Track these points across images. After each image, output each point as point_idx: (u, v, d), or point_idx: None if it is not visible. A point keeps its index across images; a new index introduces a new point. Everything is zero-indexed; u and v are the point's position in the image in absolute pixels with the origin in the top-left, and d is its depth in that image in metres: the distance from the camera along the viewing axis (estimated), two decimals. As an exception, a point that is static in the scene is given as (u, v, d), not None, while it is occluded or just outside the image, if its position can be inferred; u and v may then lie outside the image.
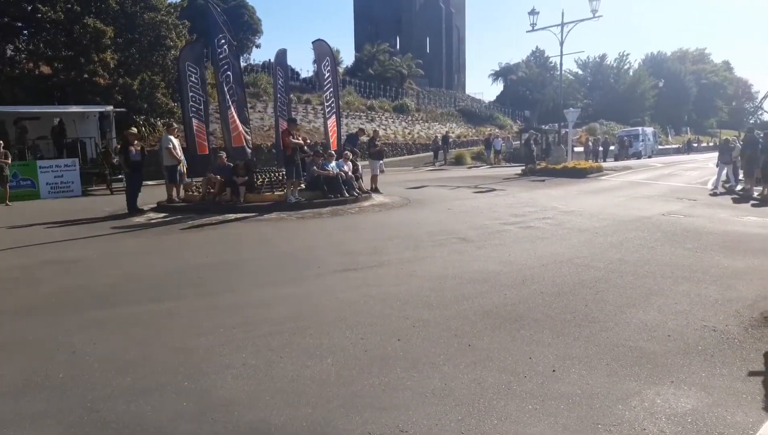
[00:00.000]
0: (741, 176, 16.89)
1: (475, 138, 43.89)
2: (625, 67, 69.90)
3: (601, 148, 38.14)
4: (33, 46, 23.45)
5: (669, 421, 3.18)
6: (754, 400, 3.42)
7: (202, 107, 14.62)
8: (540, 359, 4.08)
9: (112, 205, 14.36)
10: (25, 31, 23.95)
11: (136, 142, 13.65)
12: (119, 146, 15.24)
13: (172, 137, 13.90)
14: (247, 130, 14.29)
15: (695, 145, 54.90)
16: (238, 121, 13.41)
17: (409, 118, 45.13)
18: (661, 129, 61.82)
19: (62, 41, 22.77)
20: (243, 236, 10.13)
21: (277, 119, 15.75)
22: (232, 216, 12.15)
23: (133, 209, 12.97)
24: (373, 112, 41.87)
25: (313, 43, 16.59)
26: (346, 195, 13.81)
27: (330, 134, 16.18)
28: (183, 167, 14.24)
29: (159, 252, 8.75)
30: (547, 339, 4.49)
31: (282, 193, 13.75)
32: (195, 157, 14.45)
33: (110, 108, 21.44)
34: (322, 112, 34.50)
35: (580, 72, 70.60)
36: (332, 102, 16.42)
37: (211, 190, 13.59)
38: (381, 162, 17.54)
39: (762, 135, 16.06)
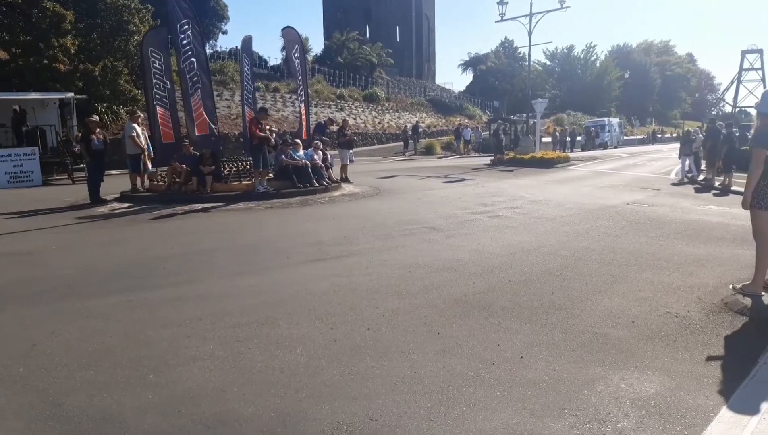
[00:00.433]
0: (703, 166, 17.32)
1: (445, 128, 44.05)
2: (592, 58, 70.90)
3: (568, 139, 38.71)
4: (-11, 31, 22.62)
5: (633, 404, 3.24)
6: (715, 384, 3.51)
7: (166, 94, 14.27)
8: (508, 346, 4.12)
9: (73, 195, 13.97)
10: (-20, 15, 23.09)
11: (98, 130, 13.29)
12: (80, 134, 14.81)
13: (135, 125, 13.58)
14: (214, 118, 14.03)
15: (659, 135, 56.23)
16: (202, 109, 13.16)
17: (379, 107, 45.00)
18: (627, 120, 63.10)
19: (20, 25, 21.99)
20: (209, 226, 9.97)
21: (244, 108, 15.50)
22: (198, 206, 11.95)
23: (96, 199, 12.65)
24: (343, 101, 41.61)
25: (282, 30, 16.42)
26: (316, 185, 13.72)
27: (302, 123, 16.05)
28: (146, 157, 13.92)
29: (122, 243, 8.54)
30: (515, 326, 4.53)
31: (250, 182, 13.58)
32: (161, 145, 14.12)
33: (71, 95, 20.82)
34: (290, 100, 34.23)
35: (548, 63, 71.35)
36: (301, 89, 16.26)
37: (177, 180, 13.33)
38: (351, 151, 17.45)
39: (723, 126, 16.48)
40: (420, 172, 20.31)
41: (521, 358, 3.92)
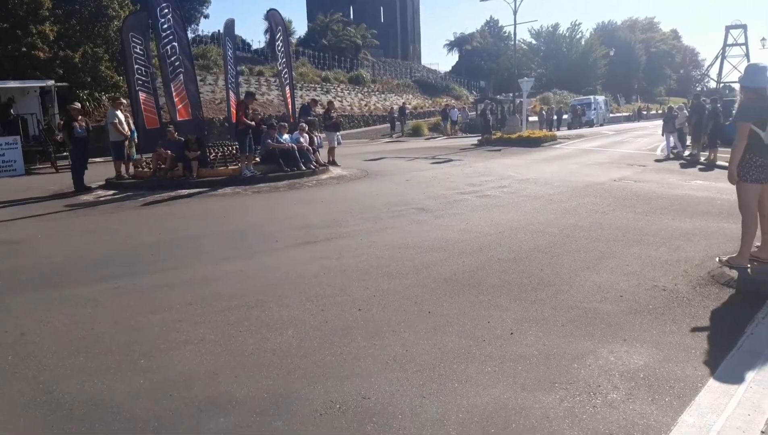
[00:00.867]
0: (688, 142, 17.42)
1: (432, 109, 43.89)
2: (578, 36, 70.75)
3: (554, 117, 38.78)
4: (-36, 19, 22.07)
5: (622, 377, 3.28)
6: (702, 355, 3.56)
7: (149, 79, 14.04)
8: (498, 323, 4.14)
9: (57, 183, 13.80)
10: (-46, 2, 22.51)
11: (80, 117, 13.08)
12: (62, 122, 14.57)
13: (117, 112, 13.38)
14: (198, 103, 13.87)
15: (645, 112, 56.37)
16: (185, 93, 13.00)
17: (365, 89, 44.70)
18: (612, 97, 63.20)
19: (-4, 13, 21.48)
20: (196, 212, 9.90)
21: (228, 92, 15.33)
22: (184, 192, 11.85)
23: (80, 187, 12.50)
24: (328, 84, 41.27)
25: (267, 12, 16.18)
26: (303, 168, 13.63)
27: (287, 106, 15.91)
28: (131, 142, 13.75)
29: (108, 230, 8.47)
30: (505, 303, 4.56)
31: (236, 167, 13.47)
32: (145, 131, 13.93)
33: (51, 82, 20.43)
34: (275, 84, 33.89)
35: (534, 42, 71.13)
36: (285, 72, 16.10)
37: (162, 166, 13.20)
38: (338, 134, 17.34)
39: (708, 102, 16.56)
40: (407, 153, 20.26)
41: (511, 334, 3.94)
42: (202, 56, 33.48)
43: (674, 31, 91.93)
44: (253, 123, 13.17)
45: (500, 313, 4.35)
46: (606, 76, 69.85)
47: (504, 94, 41.99)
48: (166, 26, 12.85)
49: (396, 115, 35.86)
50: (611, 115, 51.04)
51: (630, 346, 3.68)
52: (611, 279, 5.10)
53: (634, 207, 8.69)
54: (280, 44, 15.90)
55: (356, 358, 3.62)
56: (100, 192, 12.39)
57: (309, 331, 4.08)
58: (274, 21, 16.06)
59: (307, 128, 14.87)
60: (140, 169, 13.93)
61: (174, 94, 12.90)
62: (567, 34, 70.45)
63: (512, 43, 33.29)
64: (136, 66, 13.84)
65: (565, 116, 41.67)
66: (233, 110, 14.39)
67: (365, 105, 41.04)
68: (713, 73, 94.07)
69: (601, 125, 43.43)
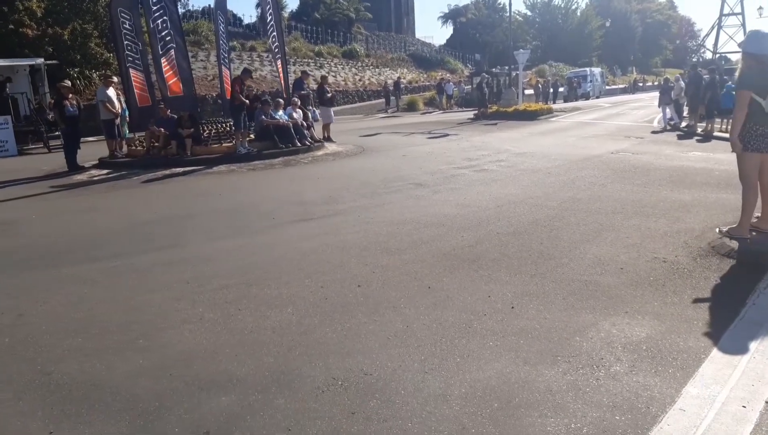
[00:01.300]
0: (685, 113, 17.31)
1: (427, 83, 43.46)
2: (573, 7, 69.85)
3: (551, 90, 38.44)
4: (-53, -5, 21.61)
5: (625, 349, 3.26)
6: (705, 326, 3.55)
7: (139, 56, 13.78)
8: (498, 297, 4.12)
9: (50, 163, 13.64)
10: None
11: (70, 95, 12.89)
12: (53, 101, 14.35)
13: (109, 90, 13.17)
14: (190, 79, 13.66)
15: (641, 84, 55.99)
16: (176, 69, 12.79)
17: (359, 64, 44.21)
18: (608, 69, 62.69)
19: (-20, -11, 21.04)
20: (191, 190, 9.81)
21: (221, 67, 15.09)
22: (179, 170, 11.73)
23: (74, 167, 12.37)
24: (322, 59, 40.75)
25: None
26: (298, 145, 13.50)
27: (280, 81, 15.69)
28: (123, 120, 13.56)
29: (103, 209, 8.39)
30: (505, 277, 4.54)
31: (231, 144, 13.34)
32: (137, 109, 13.73)
33: (41, 61, 20.10)
34: (268, 59, 33.45)
35: (529, 13, 70.22)
36: (276, 46, 15.82)
37: (155, 144, 13.06)
38: (332, 110, 17.12)
39: (706, 72, 16.41)
40: (403, 128, 20.10)
41: (512, 308, 3.92)
42: (193, 32, 32.97)
43: (670, 0, 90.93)
44: (247, 101, 13.01)
45: (500, 287, 4.32)
46: (602, 48, 69.23)
47: (499, 67, 41.61)
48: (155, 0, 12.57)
49: (391, 90, 35.49)
50: (607, 87, 50.68)
51: (632, 319, 3.67)
52: (611, 251, 5.07)
53: (633, 179, 8.65)
54: (270, 17, 15.56)
55: (357, 334, 3.60)
56: (94, 171, 12.27)
57: (309, 308, 4.05)
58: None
59: (299, 103, 14.66)
60: (133, 148, 13.78)
61: (165, 70, 12.66)
62: (562, 5, 69.57)
63: (507, 15, 32.83)
64: (125, 42, 13.57)
65: (561, 89, 41.34)
66: (227, 86, 14.19)
67: (359, 80, 40.61)
68: (709, 43, 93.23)
69: (598, 97, 43.17)
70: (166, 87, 12.82)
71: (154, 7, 12.61)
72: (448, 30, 73.66)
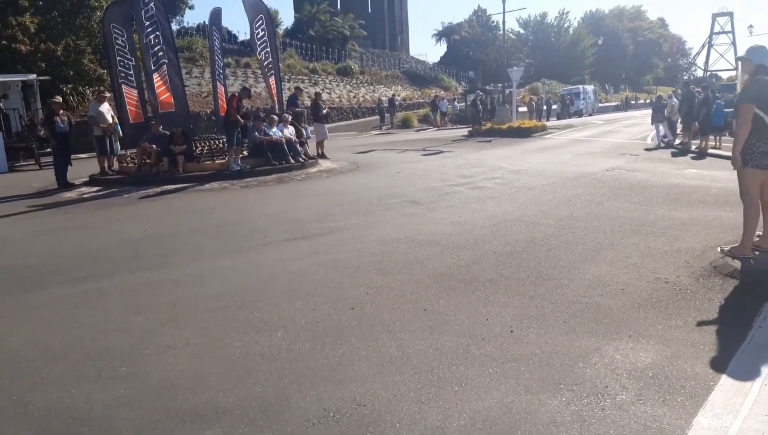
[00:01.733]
0: (679, 131, 17.33)
1: (421, 100, 43.59)
2: (566, 25, 70.66)
3: (544, 107, 38.65)
4: (-59, 11, 21.55)
5: (630, 376, 3.12)
6: (712, 350, 3.41)
7: (132, 72, 13.69)
8: (497, 320, 3.98)
9: (41, 180, 13.45)
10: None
11: (61, 111, 12.73)
12: (44, 117, 14.21)
13: (101, 106, 13.03)
14: (183, 96, 13.56)
15: (633, 102, 56.44)
16: (168, 85, 12.69)
17: (354, 81, 44.30)
18: (601, 87, 63.19)
19: (-27, 5, 20.99)
20: (183, 208, 9.65)
21: (215, 83, 14.98)
22: (170, 187, 11.57)
23: (63, 184, 12.18)
24: (316, 76, 40.83)
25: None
26: (292, 161, 13.38)
27: (272, 96, 15.59)
28: (116, 136, 13.40)
29: (91, 228, 8.21)
30: (503, 299, 4.40)
31: (223, 161, 13.21)
32: (129, 126, 13.58)
33: (33, 76, 19.99)
34: (262, 75, 33.33)
35: (522, 31, 70.96)
36: (269, 62, 15.74)
37: (147, 161, 12.90)
38: (326, 126, 17.02)
39: (699, 90, 16.46)
40: (398, 145, 20.04)
41: (511, 332, 3.78)
42: (188, 48, 32.98)
43: (661, 19, 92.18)
44: (242, 121, 12.91)
45: (499, 309, 4.18)
46: (594, 66, 69.86)
47: (493, 85, 41.78)
48: (149, 15, 12.51)
49: (385, 107, 35.55)
50: (600, 104, 51.01)
51: (636, 343, 3.53)
52: (611, 271, 4.95)
53: (629, 197, 8.56)
54: (262, 32, 15.45)
55: (350, 360, 3.44)
56: (84, 189, 12.08)
57: (300, 333, 3.89)
58: (254, 8, 15.50)
59: (290, 119, 14.52)
60: (125, 165, 13.61)
61: (157, 85, 12.56)
62: (555, 23, 70.36)
63: (500, 32, 33.06)
64: (118, 58, 13.48)
65: (554, 106, 41.56)
66: (221, 102, 14.07)
67: (354, 97, 40.66)
68: (700, 61, 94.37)
69: (590, 115, 43.39)
70: (158, 102, 12.71)
71: (147, 23, 12.56)
72: (441, 48, 74.24)
